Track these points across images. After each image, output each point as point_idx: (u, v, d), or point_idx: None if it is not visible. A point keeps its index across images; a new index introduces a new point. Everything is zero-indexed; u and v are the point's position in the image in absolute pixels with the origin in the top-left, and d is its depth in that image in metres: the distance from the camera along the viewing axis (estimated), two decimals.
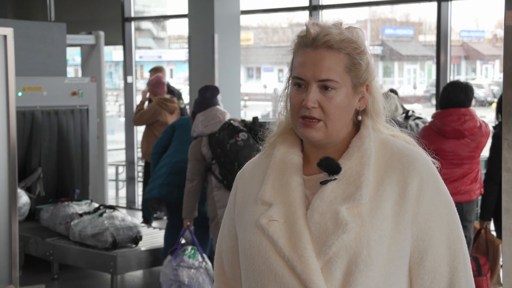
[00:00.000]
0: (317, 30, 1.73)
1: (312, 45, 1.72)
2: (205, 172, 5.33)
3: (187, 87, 8.94)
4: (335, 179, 1.74)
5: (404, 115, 5.97)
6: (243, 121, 5.44)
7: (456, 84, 5.08)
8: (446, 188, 1.78)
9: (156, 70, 8.67)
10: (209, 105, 5.41)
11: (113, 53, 28.25)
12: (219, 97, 5.55)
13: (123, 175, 10.98)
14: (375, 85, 1.80)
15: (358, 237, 1.66)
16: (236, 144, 5.18)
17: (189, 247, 5.59)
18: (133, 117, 8.05)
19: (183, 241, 5.57)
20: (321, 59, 1.71)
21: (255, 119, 5.46)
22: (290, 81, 1.80)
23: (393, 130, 1.85)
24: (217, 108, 5.43)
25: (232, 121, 5.35)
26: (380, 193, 1.71)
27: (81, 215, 6.38)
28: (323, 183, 1.74)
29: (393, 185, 1.72)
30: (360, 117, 1.81)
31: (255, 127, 5.29)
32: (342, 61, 1.72)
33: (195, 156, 5.30)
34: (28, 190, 7.13)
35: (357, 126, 1.82)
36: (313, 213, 1.71)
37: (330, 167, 1.75)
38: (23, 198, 6.82)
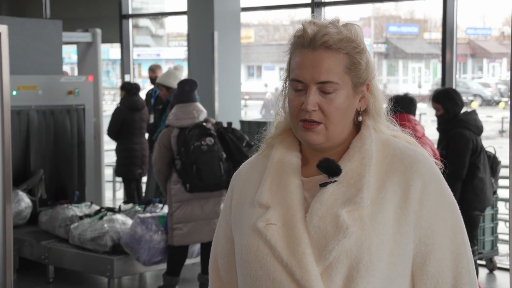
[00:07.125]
0: (314, 29, 1.69)
1: (310, 46, 1.68)
2: (170, 162, 5.50)
3: None
4: (335, 181, 1.69)
5: None
6: (217, 123, 5.58)
7: None
8: (450, 190, 1.74)
9: (155, 69, 8.64)
10: (186, 99, 5.54)
11: (110, 51, 28.31)
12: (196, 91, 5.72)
13: None
14: (376, 84, 1.77)
15: (359, 242, 1.62)
16: (200, 147, 5.36)
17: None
18: None
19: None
20: (320, 61, 1.67)
21: (229, 124, 5.61)
22: (287, 82, 1.76)
23: (395, 130, 1.81)
24: (196, 105, 5.55)
25: (205, 123, 5.48)
26: (382, 196, 1.67)
27: (81, 217, 6.28)
28: (323, 185, 1.69)
29: (395, 187, 1.68)
30: (360, 118, 1.77)
31: (226, 133, 5.47)
32: (341, 62, 1.69)
33: (164, 143, 5.47)
34: (30, 193, 7.01)
35: (358, 126, 1.78)
36: (313, 216, 1.66)
37: (330, 169, 1.70)
38: (25, 201, 6.76)
